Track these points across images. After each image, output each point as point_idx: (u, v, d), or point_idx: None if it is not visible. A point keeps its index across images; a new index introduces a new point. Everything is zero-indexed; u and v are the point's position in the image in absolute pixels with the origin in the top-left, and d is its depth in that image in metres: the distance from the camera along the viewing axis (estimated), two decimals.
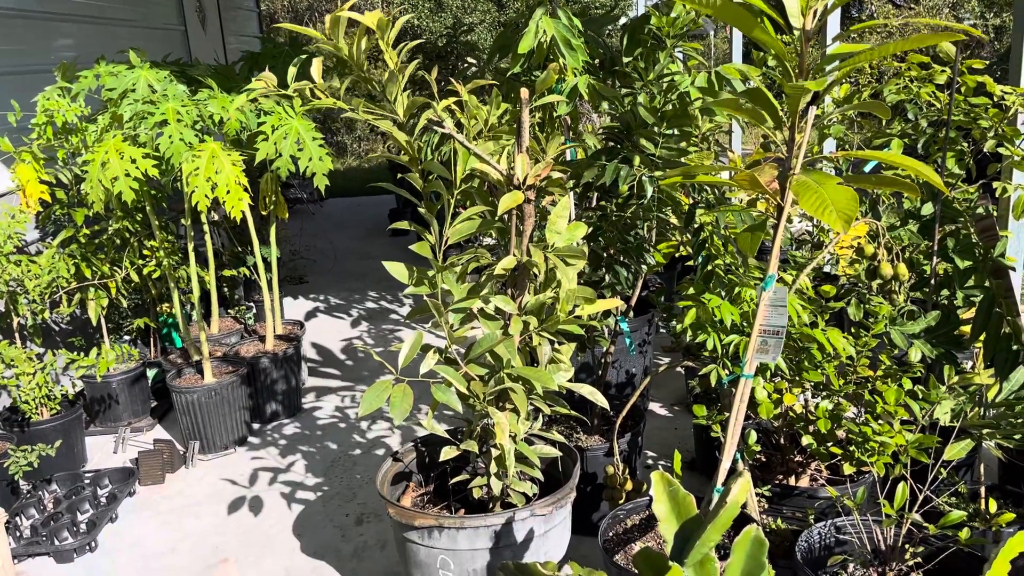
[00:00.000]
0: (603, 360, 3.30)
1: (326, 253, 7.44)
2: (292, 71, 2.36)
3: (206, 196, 3.31)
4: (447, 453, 2.49)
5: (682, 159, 2.88)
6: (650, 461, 3.57)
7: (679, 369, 4.31)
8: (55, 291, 3.77)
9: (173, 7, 6.71)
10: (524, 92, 2.22)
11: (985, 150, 2.95)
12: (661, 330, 4.92)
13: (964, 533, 2.07)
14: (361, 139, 13.48)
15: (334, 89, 2.33)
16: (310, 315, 5.85)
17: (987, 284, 2.74)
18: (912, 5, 12.75)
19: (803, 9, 1.83)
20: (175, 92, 3.53)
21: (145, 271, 4.13)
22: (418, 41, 2.44)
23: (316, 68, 2.34)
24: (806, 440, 2.56)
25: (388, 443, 3.89)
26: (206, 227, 4.11)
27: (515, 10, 13.20)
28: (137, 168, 3.36)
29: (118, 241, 4.09)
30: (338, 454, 3.81)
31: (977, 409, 2.61)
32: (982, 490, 2.56)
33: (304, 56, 2.59)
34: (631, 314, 3.47)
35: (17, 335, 3.69)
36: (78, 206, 3.97)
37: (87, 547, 3.11)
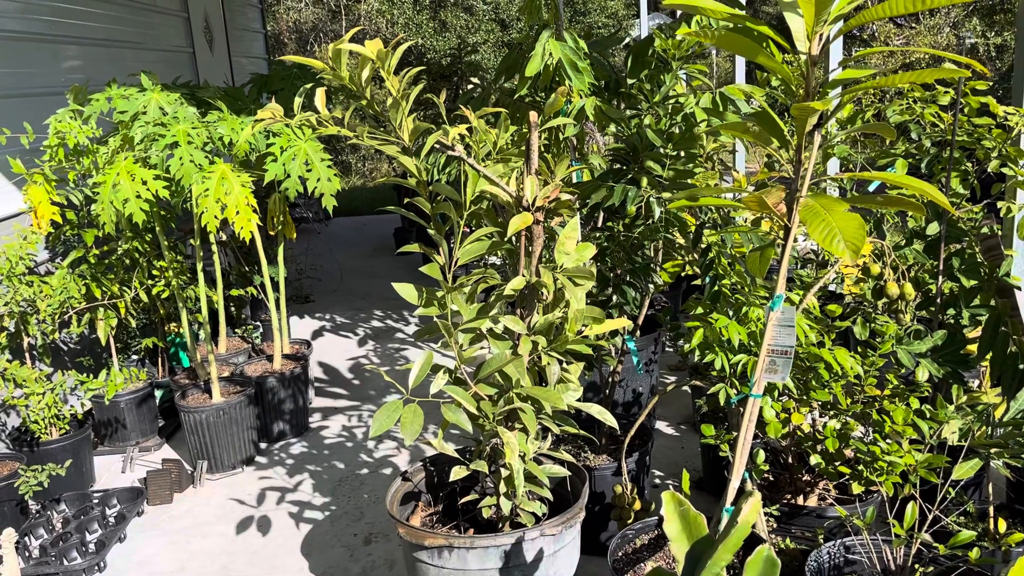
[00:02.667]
0: (610, 379, 3.31)
1: (332, 272, 7.47)
2: (298, 101, 2.39)
3: (215, 217, 3.34)
4: (457, 473, 2.50)
5: (689, 180, 2.90)
6: (657, 480, 3.57)
7: (685, 388, 4.31)
8: (66, 311, 3.79)
9: (181, 29, 6.79)
10: (534, 116, 2.25)
11: (989, 170, 2.98)
12: (668, 348, 4.93)
13: (974, 553, 2.07)
14: (365, 158, 13.57)
15: (338, 118, 2.36)
16: (316, 334, 5.87)
17: (993, 303, 2.76)
18: (913, 24, 12.83)
19: (809, 34, 1.85)
20: (185, 114, 3.57)
21: (154, 291, 4.16)
22: (420, 69, 2.47)
23: (320, 98, 2.37)
24: (814, 459, 2.57)
25: (395, 462, 3.89)
26: (214, 247, 4.14)
27: (518, 30, 13.31)
28: (148, 190, 3.40)
29: (127, 261, 4.12)
30: (345, 473, 3.81)
31: (984, 428, 2.62)
32: (991, 509, 2.56)
33: (310, 85, 2.62)
34: (638, 333, 3.49)
35: (27, 355, 3.72)
36: (88, 227, 4.00)
37: (96, 567, 3.11)
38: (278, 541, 3.30)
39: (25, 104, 4.29)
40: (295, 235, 4.40)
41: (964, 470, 2.26)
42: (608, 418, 2.47)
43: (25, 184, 3.63)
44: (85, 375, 3.74)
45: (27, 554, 3.15)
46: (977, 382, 3.31)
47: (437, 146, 2.31)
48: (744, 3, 3.07)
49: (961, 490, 2.82)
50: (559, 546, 2.43)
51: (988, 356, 2.71)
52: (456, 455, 2.56)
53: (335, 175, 3.67)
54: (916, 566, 2.18)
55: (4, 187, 4.05)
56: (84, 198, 4.01)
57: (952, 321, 2.87)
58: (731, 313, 2.66)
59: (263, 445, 4.15)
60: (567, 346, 2.37)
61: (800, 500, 2.73)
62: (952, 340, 2.68)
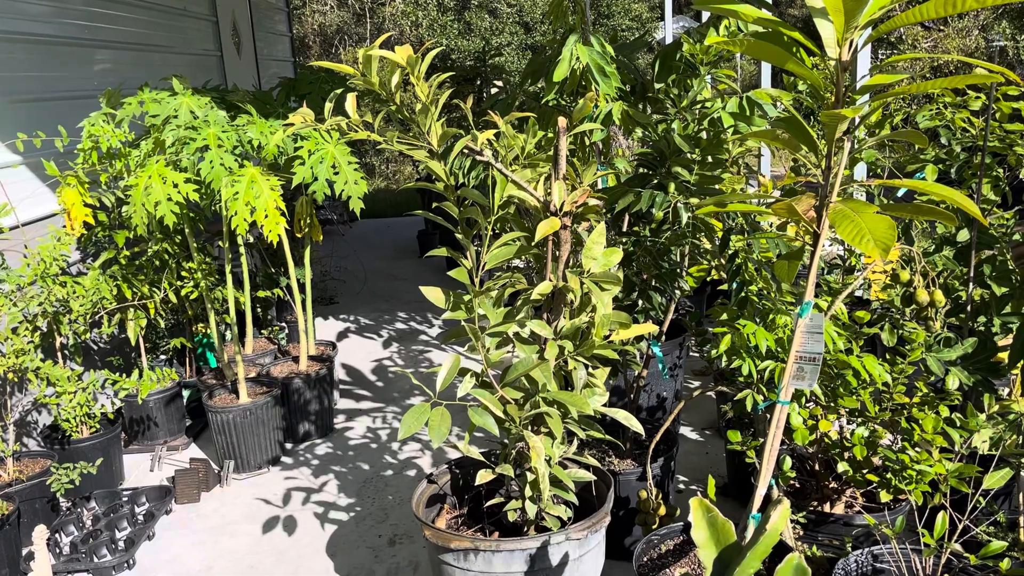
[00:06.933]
0: (635, 384, 3.31)
1: (356, 274, 7.52)
2: (328, 106, 2.41)
3: (245, 220, 3.38)
4: (483, 476, 2.51)
5: (716, 185, 2.89)
6: (682, 486, 3.56)
7: (710, 393, 4.30)
8: (97, 311, 3.85)
9: (210, 33, 6.87)
10: (562, 121, 2.26)
11: (1021, 176, 2.94)
12: (692, 353, 4.91)
13: (1004, 563, 2.05)
14: (389, 160, 13.63)
15: (368, 123, 2.38)
16: (341, 335, 5.91)
17: None
18: (941, 27, 12.69)
19: (839, 41, 1.85)
20: (216, 118, 3.61)
21: (183, 292, 4.21)
22: (449, 74, 2.48)
23: (351, 103, 2.39)
24: (842, 467, 2.55)
25: (419, 464, 3.91)
26: (242, 249, 4.19)
27: (541, 33, 13.31)
28: (179, 192, 3.44)
29: (157, 263, 4.17)
30: (370, 475, 3.84)
31: (1016, 437, 2.59)
32: (1021, 519, 2.53)
33: (340, 90, 2.64)
34: (663, 338, 3.48)
35: (59, 354, 3.78)
36: (119, 228, 4.06)
37: (125, 564, 3.16)
38: (304, 541, 3.33)
39: (59, 107, 4.36)
40: (321, 237, 4.44)
41: (995, 479, 2.24)
42: (634, 423, 2.47)
43: (59, 186, 3.70)
44: (117, 374, 3.79)
45: (58, 551, 3.20)
46: (1008, 390, 3.27)
47: (466, 151, 2.32)
48: (771, 3, 3.05)
49: (991, 499, 2.79)
50: (584, 550, 2.43)
51: (1020, 364, 2.68)
52: (481, 458, 2.57)
53: (362, 178, 3.69)
54: None
55: (38, 189, 4.13)
56: (116, 200, 4.07)
57: (983, 329, 2.84)
58: (758, 319, 2.65)
59: (289, 445, 4.19)
60: (593, 351, 2.37)
61: (827, 507, 2.71)
62: (983, 348, 2.65)
